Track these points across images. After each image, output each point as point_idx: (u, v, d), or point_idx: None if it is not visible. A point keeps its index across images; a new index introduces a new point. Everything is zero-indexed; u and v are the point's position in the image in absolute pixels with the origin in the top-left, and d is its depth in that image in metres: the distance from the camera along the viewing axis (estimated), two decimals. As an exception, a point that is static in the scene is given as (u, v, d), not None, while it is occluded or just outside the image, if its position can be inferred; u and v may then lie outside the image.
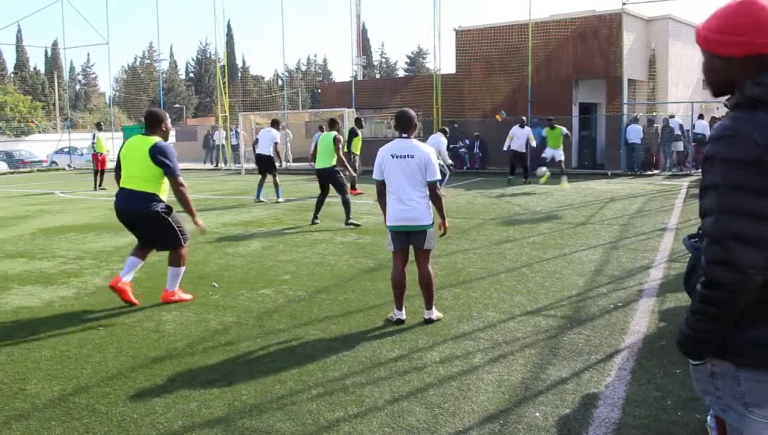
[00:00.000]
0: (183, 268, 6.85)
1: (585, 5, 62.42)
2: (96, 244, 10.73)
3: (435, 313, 6.05)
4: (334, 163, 12.19)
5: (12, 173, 34.37)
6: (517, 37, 26.74)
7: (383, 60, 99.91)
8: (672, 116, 24.77)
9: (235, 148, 32.44)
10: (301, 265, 8.63)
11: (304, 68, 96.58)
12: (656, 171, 24.29)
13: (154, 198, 6.51)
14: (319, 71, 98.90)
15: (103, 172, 21.79)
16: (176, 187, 6.53)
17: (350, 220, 11.83)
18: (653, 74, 27.29)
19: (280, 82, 76.38)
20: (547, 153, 19.75)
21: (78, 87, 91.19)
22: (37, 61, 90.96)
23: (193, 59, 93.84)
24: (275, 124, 16.76)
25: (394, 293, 6.03)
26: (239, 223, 12.59)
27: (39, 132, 53.67)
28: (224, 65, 38.37)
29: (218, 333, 5.84)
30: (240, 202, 16.52)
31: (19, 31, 71.01)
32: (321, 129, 24.72)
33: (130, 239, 11.00)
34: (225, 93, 34.56)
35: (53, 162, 40.05)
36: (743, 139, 1.84)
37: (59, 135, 45.63)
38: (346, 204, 11.89)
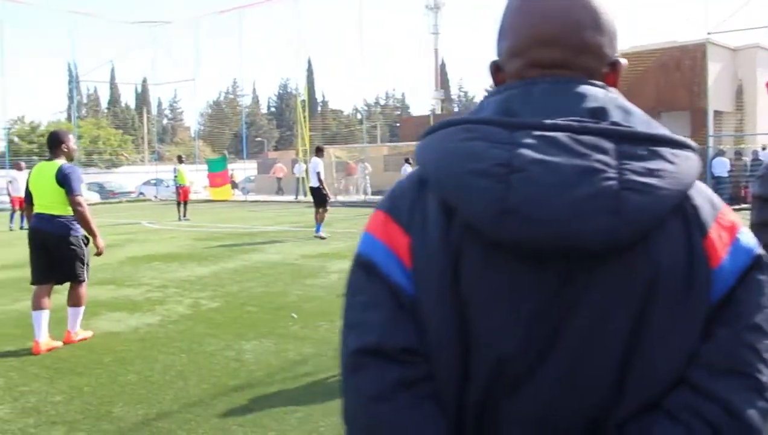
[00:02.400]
0: (83, 308, 6.81)
1: (667, 36, 61.30)
2: (180, 273, 11.06)
3: None
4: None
5: (103, 203, 35.85)
6: (597, 70, 26.35)
7: (462, 93, 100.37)
8: (763, 148, 23.90)
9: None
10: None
11: (383, 102, 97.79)
12: (745, 205, 23.39)
13: (70, 219, 6.56)
14: (398, 105, 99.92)
15: (186, 203, 22.55)
16: (74, 206, 6.50)
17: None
18: (741, 105, 26.45)
19: (359, 116, 77.59)
20: None
21: (165, 121, 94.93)
22: (127, 97, 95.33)
23: (274, 94, 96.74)
24: (319, 151, 16.38)
25: None
26: (318, 255, 12.75)
27: (128, 164, 55.96)
28: (304, 100, 39.27)
29: (297, 364, 5.90)
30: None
31: (112, 69, 74.60)
32: (407, 161, 25.00)
33: (214, 269, 11.33)
34: (305, 127, 35.30)
35: (141, 193, 41.63)
36: None
37: (147, 167, 47.55)
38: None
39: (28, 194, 6.74)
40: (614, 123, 1.01)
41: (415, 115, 50.96)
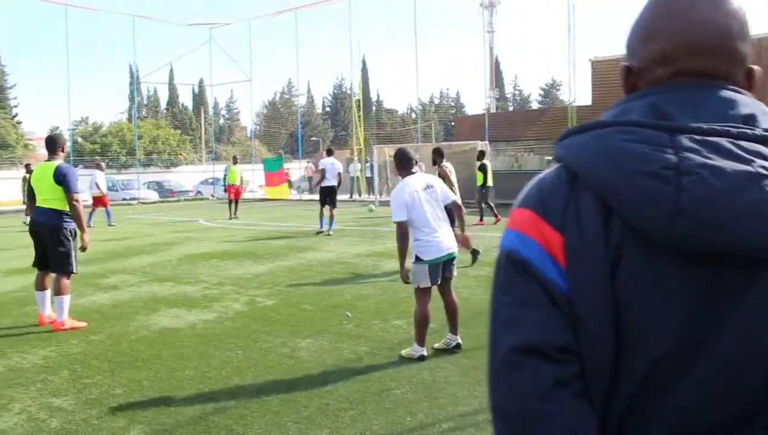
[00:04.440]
0: (68, 297, 7.34)
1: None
2: (236, 270, 11.21)
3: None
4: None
5: (162, 202, 36.64)
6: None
7: (516, 92, 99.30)
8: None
9: (370, 180, 33.03)
10: (433, 297, 8.58)
11: (437, 101, 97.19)
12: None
13: (63, 214, 7.32)
14: (452, 104, 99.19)
15: (237, 201, 22.92)
16: (70, 201, 7.29)
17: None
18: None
19: (413, 115, 77.55)
20: None
21: (222, 121, 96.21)
22: (185, 97, 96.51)
23: (329, 94, 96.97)
24: (331, 153, 17.65)
25: (423, 331, 5.99)
26: (373, 254, 12.77)
27: (186, 163, 57.01)
28: (359, 99, 39.46)
29: (351, 362, 5.92)
30: (375, 233, 16.78)
31: (171, 70, 75.97)
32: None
33: (269, 266, 11.45)
34: (360, 126, 35.44)
35: (198, 192, 42.39)
36: None
37: (204, 166, 48.36)
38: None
39: (31, 191, 7.52)
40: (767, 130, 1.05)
41: (469, 114, 50.61)
